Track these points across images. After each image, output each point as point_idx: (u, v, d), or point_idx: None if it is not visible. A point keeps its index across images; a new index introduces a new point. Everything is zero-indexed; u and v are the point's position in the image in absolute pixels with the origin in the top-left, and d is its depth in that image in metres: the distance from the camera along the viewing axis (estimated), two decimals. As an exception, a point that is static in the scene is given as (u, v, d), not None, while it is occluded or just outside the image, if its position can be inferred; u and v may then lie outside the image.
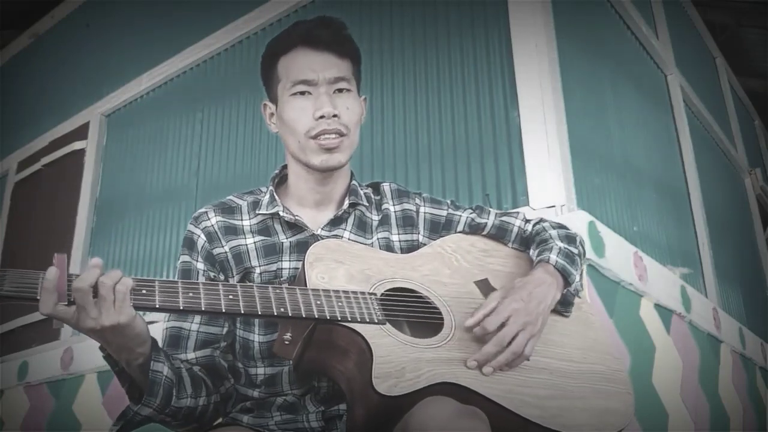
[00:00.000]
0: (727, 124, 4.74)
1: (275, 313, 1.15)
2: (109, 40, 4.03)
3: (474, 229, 1.48)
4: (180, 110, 3.46)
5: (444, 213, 1.47)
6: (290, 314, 1.15)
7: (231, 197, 1.43)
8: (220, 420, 1.37)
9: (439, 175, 2.43)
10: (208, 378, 1.31)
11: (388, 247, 1.40)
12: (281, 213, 1.36)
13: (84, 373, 3.12)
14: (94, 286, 1.05)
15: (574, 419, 1.21)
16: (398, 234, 1.43)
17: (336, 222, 1.38)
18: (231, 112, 3.20)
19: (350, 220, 1.40)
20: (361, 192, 1.43)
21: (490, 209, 1.52)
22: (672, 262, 2.93)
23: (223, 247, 1.35)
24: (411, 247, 1.42)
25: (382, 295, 1.25)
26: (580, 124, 2.42)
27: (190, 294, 1.12)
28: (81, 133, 3.88)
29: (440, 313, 1.28)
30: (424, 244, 1.43)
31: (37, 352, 3.44)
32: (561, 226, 1.48)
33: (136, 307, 1.09)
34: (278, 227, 1.37)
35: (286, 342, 1.22)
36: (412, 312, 1.27)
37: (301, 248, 1.33)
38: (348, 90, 1.37)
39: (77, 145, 3.84)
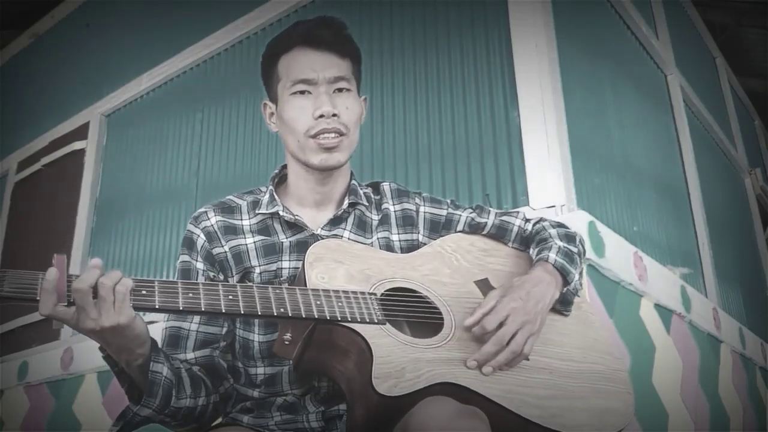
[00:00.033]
0: (727, 124, 4.74)
1: (275, 314, 1.15)
2: (109, 40, 4.03)
3: (474, 228, 1.48)
4: (180, 110, 3.46)
5: (444, 212, 1.47)
6: (290, 314, 1.15)
7: (231, 197, 1.43)
8: (220, 420, 1.37)
9: (439, 175, 2.43)
10: (208, 378, 1.31)
11: (388, 247, 1.40)
12: (281, 213, 1.36)
13: (84, 373, 3.12)
14: (93, 287, 1.05)
15: (574, 419, 1.21)
16: (398, 234, 1.43)
17: (336, 221, 1.38)
18: (231, 112, 3.20)
19: (350, 220, 1.40)
20: (361, 192, 1.43)
21: (490, 209, 1.52)
22: (672, 262, 2.93)
23: (222, 246, 1.35)
24: (411, 247, 1.42)
25: (382, 295, 1.25)
26: (580, 124, 2.42)
27: (190, 294, 1.12)
28: (81, 133, 3.88)
29: (440, 313, 1.28)
30: (424, 244, 1.43)
31: (37, 352, 3.44)
32: (561, 225, 1.48)
33: (136, 308, 1.09)
34: (278, 227, 1.37)
35: (286, 342, 1.22)
36: (412, 312, 1.26)
37: (300, 248, 1.33)
38: (348, 90, 1.37)
39: (77, 145, 3.84)
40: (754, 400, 3.34)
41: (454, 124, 2.47)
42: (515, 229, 1.49)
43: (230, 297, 1.14)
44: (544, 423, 1.17)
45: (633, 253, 2.35)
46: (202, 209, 1.40)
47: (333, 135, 1.32)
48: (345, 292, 1.21)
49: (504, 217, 1.50)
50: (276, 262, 1.34)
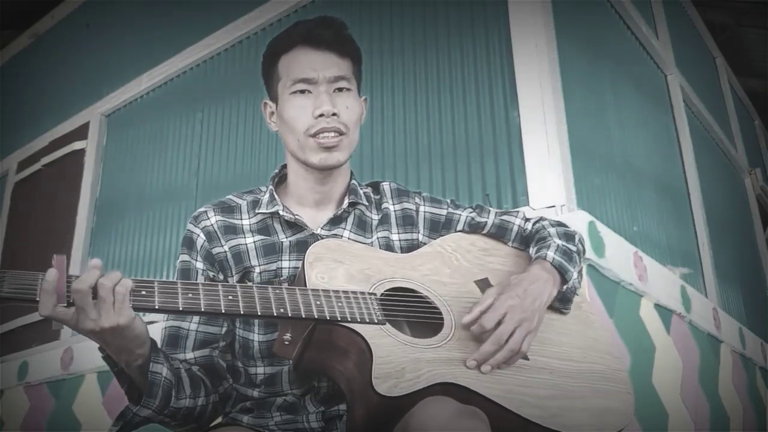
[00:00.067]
0: (727, 124, 4.74)
1: (275, 314, 1.15)
2: (109, 40, 4.03)
3: (474, 228, 1.48)
4: (180, 110, 3.46)
5: (444, 212, 1.47)
6: (290, 315, 1.15)
7: (230, 196, 1.43)
8: (219, 420, 1.37)
9: (439, 175, 2.43)
10: (207, 378, 1.31)
11: (388, 247, 1.40)
12: (281, 212, 1.36)
13: (84, 373, 3.12)
14: (93, 288, 1.05)
15: (574, 419, 1.21)
16: (398, 233, 1.43)
17: (336, 221, 1.38)
18: (231, 112, 3.20)
19: (350, 220, 1.40)
20: (361, 191, 1.43)
21: (490, 208, 1.52)
22: (672, 262, 2.93)
23: (222, 246, 1.35)
24: (411, 247, 1.42)
25: (382, 294, 1.25)
26: (580, 124, 2.42)
27: (190, 295, 1.12)
28: (81, 133, 3.88)
29: (440, 313, 1.28)
30: (424, 244, 1.43)
31: (37, 352, 3.44)
32: (560, 224, 1.48)
33: (136, 309, 1.09)
34: (278, 226, 1.37)
35: (286, 342, 1.22)
36: (412, 312, 1.26)
37: (300, 247, 1.33)
38: (348, 89, 1.37)
39: (77, 145, 3.84)
40: (754, 400, 3.34)
41: (454, 124, 2.47)
42: (515, 228, 1.49)
43: (230, 297, 1.14)
44: (544, 423, 1.17)
45: (633, 253, 2.35)
46: (202, 209, 1.40)
47: (333, 134, 1.32)
48: (345, 292, 1.21)
49: (504, 217, 1.50)
50: (276, 261, 1.33)
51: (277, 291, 1.17)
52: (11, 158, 4.38)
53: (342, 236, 1.37)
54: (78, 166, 3.78)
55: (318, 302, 1.17)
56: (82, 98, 4.00)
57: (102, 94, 3.89)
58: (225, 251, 1.34)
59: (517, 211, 1.53)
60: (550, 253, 1.36)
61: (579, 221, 2.04)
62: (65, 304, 1.05)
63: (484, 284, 1.37)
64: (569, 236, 1.44)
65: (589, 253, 2.02)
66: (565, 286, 1.35)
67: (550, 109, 2.24)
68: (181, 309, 1.11)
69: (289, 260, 1.34)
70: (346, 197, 1.39)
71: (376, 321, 1.19)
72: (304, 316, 1.16)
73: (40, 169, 4.06)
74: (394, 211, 1.44)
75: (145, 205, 3.44)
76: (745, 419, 3.11)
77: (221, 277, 1.35)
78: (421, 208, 1.46)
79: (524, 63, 2.34)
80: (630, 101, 3.04)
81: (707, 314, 2.92)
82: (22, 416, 3.39)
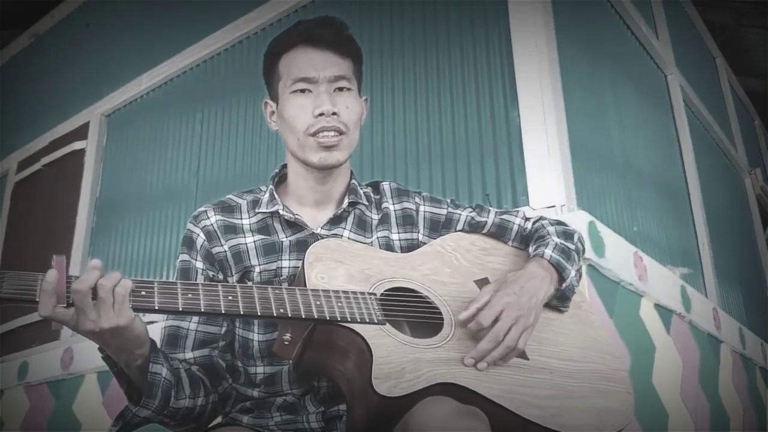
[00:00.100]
0: (727, 124, 4.74)
1: (275, 314, 1.15)
2: (109, 40, 4.03)
3: (474, 227, 1.48)
4: (180, 110, 3.46)
5: (444, 212, 1.47)
6: (290, 315, 1.15)
7: (230, 196, 1.43)
8: (219, 420, 1.37)
9: (439, 175, 2.43)
10: (207, 378, 1.31)
11: (388, 246, 1.40)
12: (281, 212, 1.36)
13: (84, 373, 3.12)
14: (93, 289, 1.05)
15: (574, 419, 1.21)
16: (398, 233, 1.43)
17: (336, 221, 1.38)
18: (231, 112, 3.20)
19: (350, 219, 1.40)
20: (361, 191, 1.43)
21: (490, 208, 1.52)
22: (672, 262, 2.93)
23: (222, 246, 1.35)
24: (411, 246, 1.42)
25: (381, 294, 1.25)
26: (580, 124, 2.42)
27: (189, 295, 1.12)
28: (81, 133, 3.88)
29: (440, 313, 1.28)
30: (424, 243, 1.42)
31: (37, 352, 3.44)
32: (560, 223, 1.48)
33: (136, 309, 1.09)
34: (278, 226, 1.37)
35: (286, 342, 1.22)
36: (412, 312, 1.26)
37: (300, 247, 1.33)
38: (348, 89, 1.37)
39: (77, 145, 3.84)
40: (754, 400, 3.34)
41: (454, 124, 2.47)
42: (515, 227, 1.49)
43: (230, 298, 1.13)
44: (543, 423, 1.17)
45: (633, 253, 2.35)
46: (202, 208, 1.39)
47: (332, 133, 1.32)
48: (345, 292, 1.21)
49: (504, 216, 1.50)
50: (276, 261, 1.33)
51: (277, 291, 1.17)
52: (11, 158, 4.38)
53: (342, 236, 1.37)
54: (78, 166, 3.78)
55: (318, 302, 1.17)
56: (82, 98, 4.01)
57: (102, 94, 3.89)
58: (225, 251, 1.34)
59: (517, 211, 1.53)
60: (548, 251, 1.36)
61: (579, 221, 2.04)
62: (65, 305, 1.05)
63: (483, 284, 1.37)
64: (568, 235, 1.44)
65: (589, 253, 2.02)
66: (563, 284, 1.35)
67: (550, 109, 2.24)
68: (180, 309, 1.10)
69: (289, 260, 1.34)
70: (346, 197, 1.39)
71: (376, 321, 1.19)
72: (303, 317, 1.15)
73: (40, 169, 4.06)
74: (394, 210, 1.44)
75: (145, 205, 3.44)
76: (745, 419, 3.11)
77: (221, 276, 1.35)
78: (421, 208, 1.46)
79: (524, 63, 2.34)
80: (630, 101, 3.04)
81: (707, 314, 2.92)
82: (22, 416, 3.39)
